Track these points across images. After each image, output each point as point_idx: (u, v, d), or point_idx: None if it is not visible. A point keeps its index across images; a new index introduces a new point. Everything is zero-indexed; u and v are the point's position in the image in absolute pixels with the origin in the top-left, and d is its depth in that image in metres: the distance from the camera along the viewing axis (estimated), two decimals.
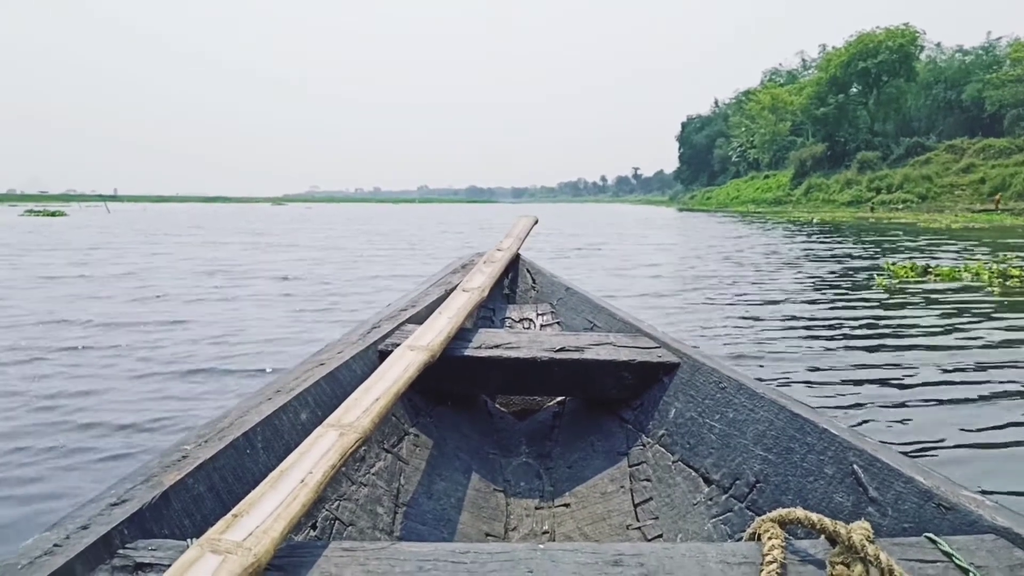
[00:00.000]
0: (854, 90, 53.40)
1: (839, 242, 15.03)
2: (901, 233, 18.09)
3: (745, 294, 7.02)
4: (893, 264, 9.22)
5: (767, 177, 63.10)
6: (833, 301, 6.43)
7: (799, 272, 9.03)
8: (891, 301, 6.48)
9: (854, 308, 6.11)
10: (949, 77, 52.98)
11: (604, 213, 53.34)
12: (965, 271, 8.40)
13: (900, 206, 38.60)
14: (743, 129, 71.30)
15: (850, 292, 7.07)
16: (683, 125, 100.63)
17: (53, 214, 36.30)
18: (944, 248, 12.95)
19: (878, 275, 8.42)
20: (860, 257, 11.24)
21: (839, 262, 10.45)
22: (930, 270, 8.46)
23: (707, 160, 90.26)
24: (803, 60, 76.43)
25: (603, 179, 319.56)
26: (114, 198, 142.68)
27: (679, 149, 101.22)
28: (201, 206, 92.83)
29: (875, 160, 46.27)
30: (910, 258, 10.80)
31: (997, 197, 33.53)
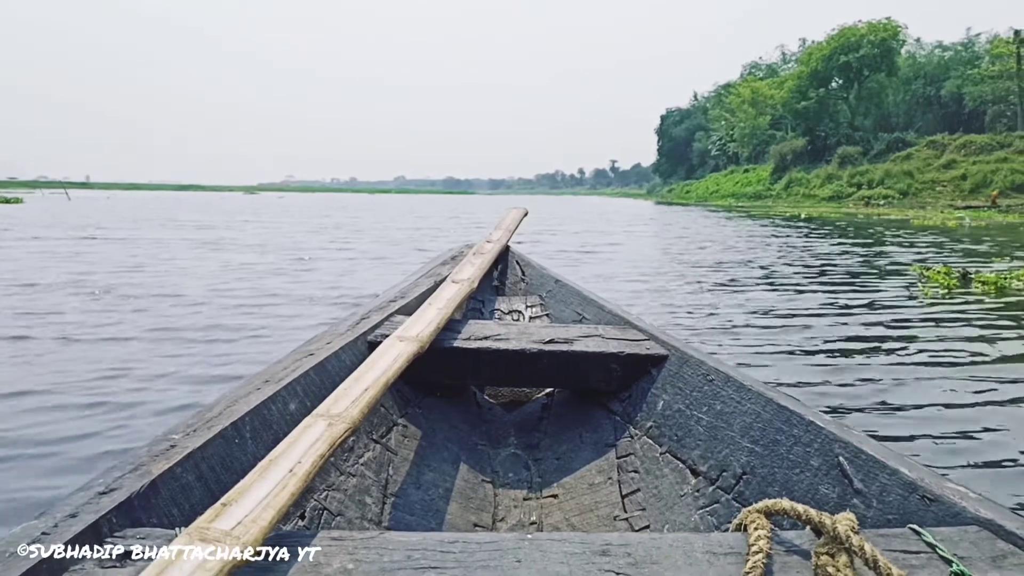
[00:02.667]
0: (835, 84, 53.12)
1: (844, 241, 14.01)
2: (899, 231, 17.30)
3: (825, 324, 5.37)
4: (927, 269, 8.21)
5: (747, 171, 62.90)
6: (894, 322, 5.33)
7: (835, 280, 7.79)
8: (949, 318, 5.44)
9: (909, 328, 5.07)
10: (928, 73, 53.04)
11: (588, 206, 51.89)
12: (1013, 278, 7.41)
13: (881, 202, 38.24)
14: (723, 123, 71.05)
15: (895, 306, 6.01)
16: (662, 118, 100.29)
17: (8, 201, 34.46)
18: (957, 249, 12.06)
19: (921, 283, 7.39)
20: (879, 259, 10.20)
21: (863, 265, 9.33)
22: (971, 276, 7.48)
23: (686, 153, 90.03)
24: (783, 54, 76.26)
25: (580, 171, 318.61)
26: (84, 185, 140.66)
27: (658, 142, 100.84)
28: (172, 194, 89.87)
29: (856, 155, 46.19)
30: (929, 260, 9.86)
31: (994, 193, 32.99)
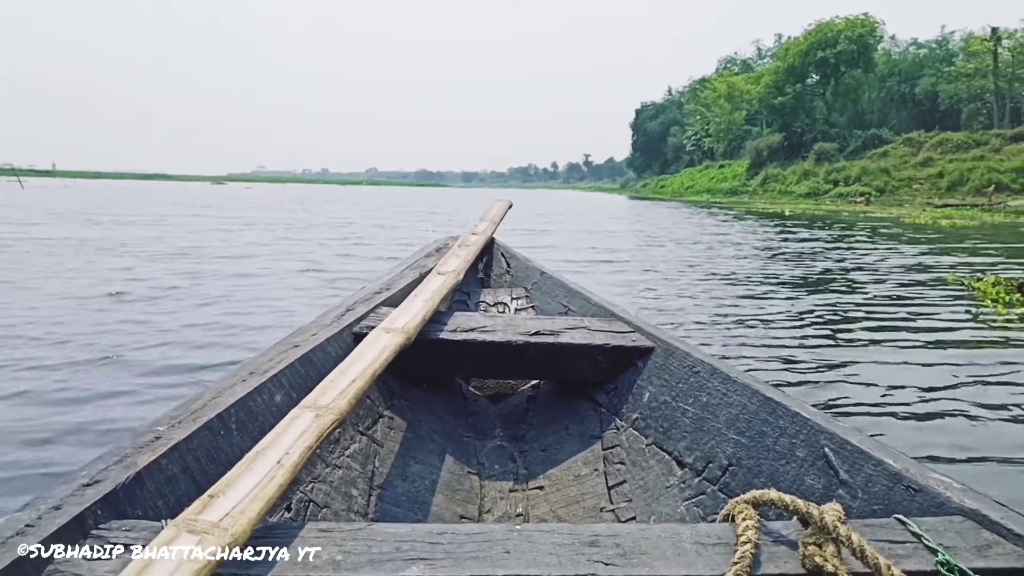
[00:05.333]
0: (811, 80, 52.58)
1: (850, 243, 13.31)
2: (896, 232, 16.27)
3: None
4: (978, 281, 7.01)
5: (722, 167, 62.65)
6: (979, 354, 4.12)
7: (882, 292, 6.66)
8: None
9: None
10: (903, 70, 52.86)
11: (565, 200, 50.46)
12: None
13: (859, 199, 37.74)
14: (698, 117, 70.56)
15: (966, 337, 4.79)
16: (637, 112, 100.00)
17: None
18: (970, 251, 11.03)
19: (973, 296, 6.21)
20: (908, 267, 8.94)
21: (898, 275, 8.09)
22: None
23: (660, 148, 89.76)
24: (758, 49, 75.96)
25: (554, 165, 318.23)
26: (48, 173, 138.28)
27: (632, 136, 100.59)
28: (136, 183, 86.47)
29: (832, 152, 45.84)
30: (953, 264, 8.76)
31: (991, 189, 32.22)
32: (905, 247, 12.20)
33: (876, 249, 11.68)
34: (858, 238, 14.45)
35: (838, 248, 12.06)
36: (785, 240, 13.84)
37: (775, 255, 10.71)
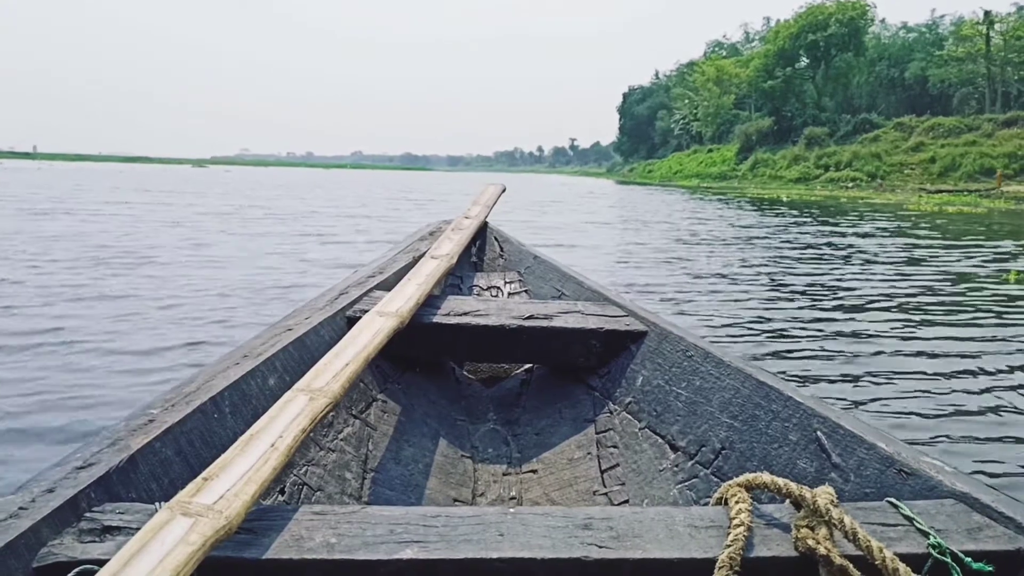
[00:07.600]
0: (801, 63, 51.81)
1: (875, 231, 12.65)
2: (906, 219, 15.50)
3: None
4: None
5: (711, 151, 61.92)
6: None
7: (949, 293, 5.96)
8: None
9: None
10: (893, 54, 52.28)
11: (555, 185, 49.30)
12: None
13: (849, 184, 37.18)
14: (686, 101, 69.60)
15: None
16: (624, 96, 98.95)
17: None
18: (997, 243, 10.27)
19: None
20: (951, 263, 8.16)
21: (948, 276, 7.21)
22: None
23: (647, 132, 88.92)
24: (746, 32, 75.00)
25: (540, 149, 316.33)
26: (28, 155, 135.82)
27: (620, 120, 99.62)
28: (116, 166, 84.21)
29: (823, 136, 45.24)
30: (984, 260, 8.27)
31: (999, 173, 31.42)
32: (935, 240, 11.28)
33: (913, 244, 10.74)
34: (879, 231, 13.04)
35: (873, 241, 10.89)
36: (821, 234, 12.45)
37: (827, 253, 9.45)
